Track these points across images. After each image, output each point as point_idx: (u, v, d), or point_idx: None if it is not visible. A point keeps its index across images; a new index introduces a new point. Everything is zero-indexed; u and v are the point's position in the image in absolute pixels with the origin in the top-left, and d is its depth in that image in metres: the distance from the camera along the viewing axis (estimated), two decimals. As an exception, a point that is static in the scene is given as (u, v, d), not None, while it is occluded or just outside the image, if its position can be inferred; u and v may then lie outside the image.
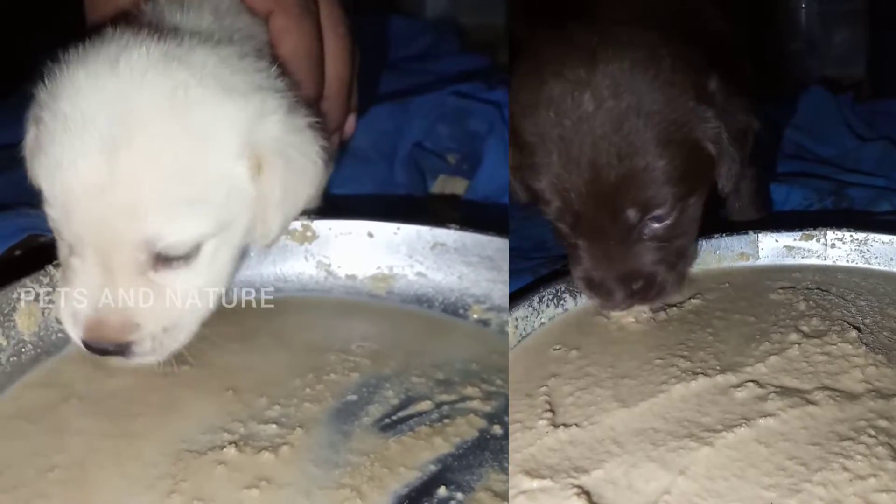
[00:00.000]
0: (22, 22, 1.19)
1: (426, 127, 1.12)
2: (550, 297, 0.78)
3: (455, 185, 1.08)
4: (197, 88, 0.64)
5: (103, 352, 0.66)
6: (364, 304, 0.82)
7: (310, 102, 0.76)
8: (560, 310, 0.78)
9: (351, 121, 0.87)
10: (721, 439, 0.62)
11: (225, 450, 0.63)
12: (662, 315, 0.78)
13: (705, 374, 0.69)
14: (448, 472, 0.63)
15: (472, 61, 1.32)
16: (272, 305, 0.77)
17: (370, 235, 0.83)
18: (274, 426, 0.66)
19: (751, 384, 0.67)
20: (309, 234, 0.83)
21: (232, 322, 0.75)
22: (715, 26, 0.83)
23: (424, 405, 0.69)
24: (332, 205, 0.96)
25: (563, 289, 0.78)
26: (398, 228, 0.83)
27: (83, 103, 0.63)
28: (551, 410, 0.67)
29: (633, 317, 0.77)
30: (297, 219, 0.80)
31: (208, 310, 0.70)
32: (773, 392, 0.66)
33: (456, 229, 0.82)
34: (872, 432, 0.61)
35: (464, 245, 0.81)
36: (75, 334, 0.67)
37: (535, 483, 0.60)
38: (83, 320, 0.66)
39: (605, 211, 0.71)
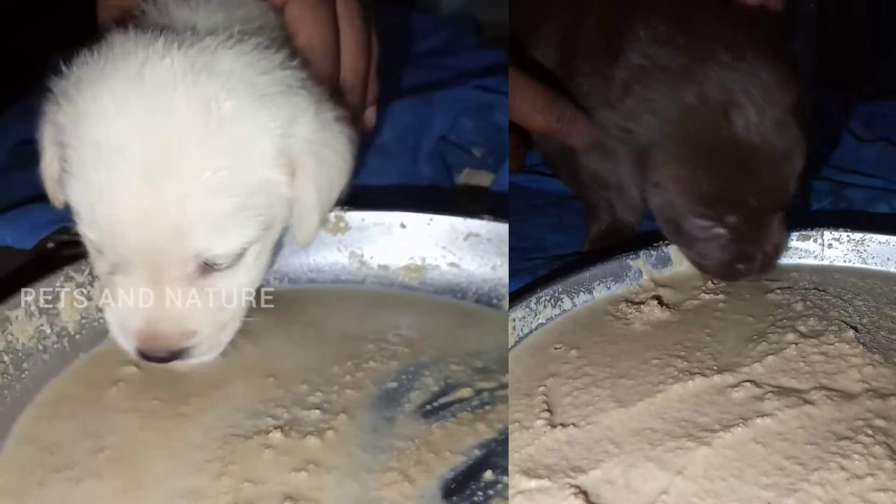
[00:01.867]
0: (31, 16, 1.19)
1: (450, 121, 1.13)
2: (548, 298, 0.78)
3: (480, 179, 1.08)
4: (229, 101, 0.64)
5: (161, 359, 0.68)
6: (397, 294, 0.83)
7: (333, 92, 0.76)
8: (557, 310, 0.78)
9: (371, 113, 0.87)
10: (718, 439, 0.62)
11: (271, 434, 0.65)
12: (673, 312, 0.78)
13: (703, 375, 0.69)
14: (493, 456, 0.64)
15: (490, 56, 1.32)
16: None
17: (403, 226, 0.84)
18: (317, 412, 0.67)
19: (748, 384, 0.67)
20: (342, 224, 0.84)
21: (266, 312, 0.76)
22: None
23: (465, 392, 0.70)
24: (358, 196, 0.96)
25: (560, 290, 0.79)
26: (431, 219, 0.83)
27: (114, 129, 0.62)
28: (549, 410, 0.67)
29: (659, 312, 0.78)
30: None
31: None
32: (771, 392, 0.66)
33: (489, 220, 0.82)
34: (870, 432, 0.61)
35: (497, 235, 0.82)
36: (130, 346, 0.68)
37: (533, 483, 0.60)
38: (136, 333, 0.67)
39: (772, 203, 0.75)
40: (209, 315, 0.68)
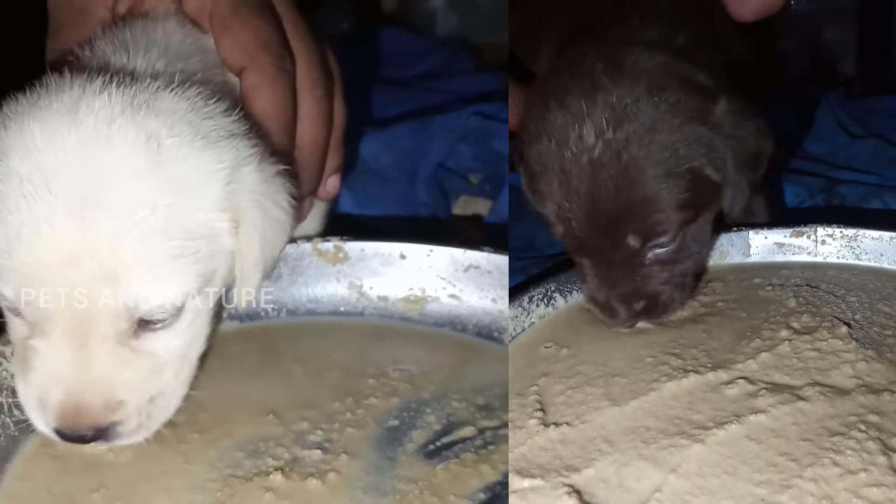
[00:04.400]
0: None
1: (448, 147, 1.12)
2: (540, 296, 0.78)
3: (478, 206, 1.08)
4: (171, 138, 0.59)
5: (80, 439, 0.60)
6: (397, 326, 0.81)
7: (276, 152, 0.70)
8: (550, 309, 0.78)
9: (332, 182, 0.82)
10: (712, 436, 0.62)
11: (271, 476, 0.63)
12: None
13: (696, 372, 0.69)
14: (497, 500, 0.62)
15: (487, 80, 1.32)
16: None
17: (403, 257, 0.82)
18: (318, 452, 0.65)
19: (742, 381, 0.67)
20: (341, 255, 0.82)
21: (264, 344, 0.75)
22: (731, 43, 0.83)
23: (467, 431, 0.68)
24: (356, 225, 0.95)
25: (552, 288, 0.79)
26: (431, 250, 0.82)
27: (41, 161, 0.56)
28: (542, 409, 0.67)
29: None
30: (328, 240, 0.81)
31: (192, 370, 0.66)
32: (764, 389, 0.66)
33: (490, 251, 0.81)
34: (863, 427, 0.61)
35: (497, 267, 0.80)
36: (44, 424, 0.60)
37: (527, 482, 0.60)
38: (55, 406, 0.59)
39: (606, 238, 0.72)
40: (140, 382, 0.61)
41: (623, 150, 0.69)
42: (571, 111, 0.71)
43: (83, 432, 0.60)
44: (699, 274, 0.79)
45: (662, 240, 0.72)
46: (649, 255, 0.73)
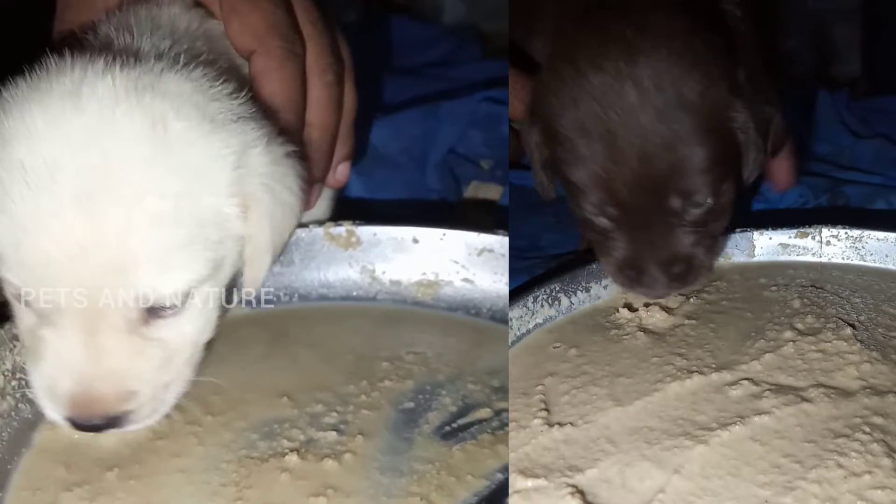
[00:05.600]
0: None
1: (458, 132, 1.12)
2: (545, 296, 0.78)
3: (489, 191, 1.07)
4: (177, 122, 0.58)
5: (94, 428, 0.60)
6: (410, 311, 0.81)
7: (285, 132, 0.69)
8: (554, 310, 0.78)
9: (342, 169, 0.82)
10: (716, 437, 0.62)
11: (287, 457, 0.63)
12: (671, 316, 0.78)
13: (700, 373, 0.69)
14: None
15: (495, 68, 1.32)
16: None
17: (415, 241, 0.82)
18: (334, 433, 0.65)
19: (746, 382, 0.67)
20: (353, 239, 0.82)
21: (277, 329, 0.75)
22: (734, 23, 0.84)
23: (483, 413, 0.68)
24: (367, 210, 0.95)
25: (557, 288, 0.78)
26: (444, 234, 0.82)
27: (45, 149, 0.55)
28: (546, 409, 0.67)
29: (658, 314, 0.77)
30: (340, 224, 0.80)
31: (200, 356, 0.65)
32: (768, 390, 0.66)
33: (504, 235, 0.81)
34: (867, 429, 0.61)
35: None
36: (57, 414, 0.60)
37: (530, 482, 0.60)
38: (67, 396, 0.59)
39: (650, 199, 0.72)
40: (152, 372, 0.60)
41: (668, 110, 0.70)
42: (611, 73, 0.71)
43: (95, 421, 0.59)
44: (721, 242, 0.80)
45: (699, 198, 0.72)
46: (686, 216, 0.73)
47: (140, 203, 0.56)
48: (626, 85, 0.70)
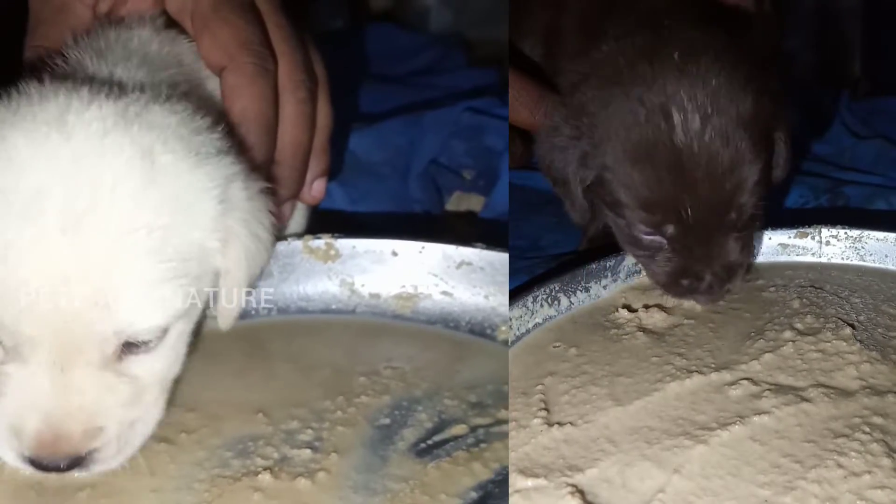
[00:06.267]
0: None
1: (440, 142, 1.12)
2: (545, 296, 0.78)
3: (471, 202, 1.07)
4: (165, 154, 0.57)
5: (57, 469, 0.57)
6: (389, 324, 0.80)
7: (257, 167, 0.69)
8: (554, 310, 0.78)
9: (318, 186, 0.81)
10: (716, 437, 0.62)
11: (260, 476, 0.61)
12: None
13: (700, 372, 0.69)
14: (490, 498, 0.61)
15: (479, 76, 1.32)
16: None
17: (394, 254, 0.81)
18: (308, 451, 0.64)
19: (745, 382, 0.67)
20: (332, 252, 0.81)
21: (254, 343, 0.75)
22: (749, 32, 0.85)
23: (459, 429, 0.67)
24: (350, 222, 0.94)
25: (557, 288, 0.78)
26: (423, 247, 0.81)
27: (30, 175, 0.54)
28: (546, 409, 0.67)
29: (657, 314, 0.78)
30: (319, 237, 0.80)
31: (168, 394, 0.63)
32: (768, 390, 0.66)
33: (482, 248, 0.80)
34: (867, 429, 0.61)
35: (490, 264, 0.79)
36: (15, 455, 0.57)
37: (530, 482, 0.60)
38: (32, 434, 0.56)
39: (713, 217, 0.73)
40: (121, 408, 0.58)
41: (730, 130, 0.71)
42: (668, 97, 0.72)
43: (58, 461, 0.57)
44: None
45: (752, 209, 0.74)
46: (738, 225, 0.74)
47: (128, 235, 0.55)
48: (686, 108, 0.71)
